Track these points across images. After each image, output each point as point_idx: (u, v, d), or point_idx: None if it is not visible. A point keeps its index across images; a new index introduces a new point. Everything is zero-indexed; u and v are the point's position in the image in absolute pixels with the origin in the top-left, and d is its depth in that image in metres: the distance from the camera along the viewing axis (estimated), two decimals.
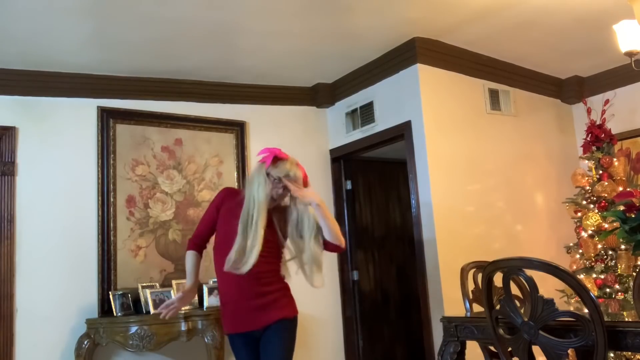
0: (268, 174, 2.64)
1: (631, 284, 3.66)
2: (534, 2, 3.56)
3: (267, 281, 2.64)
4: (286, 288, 2.74)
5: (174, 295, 3.83)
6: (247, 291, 2.60)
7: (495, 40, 4.12)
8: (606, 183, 4.05)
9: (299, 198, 2.64)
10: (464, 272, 3.11)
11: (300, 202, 2.66)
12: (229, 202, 2.73)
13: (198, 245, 2.85)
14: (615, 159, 4.15)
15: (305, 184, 2.71)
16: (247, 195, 2.66)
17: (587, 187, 4.14)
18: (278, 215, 2.73)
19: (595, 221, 3.98)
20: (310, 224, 2.66)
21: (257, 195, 2.60)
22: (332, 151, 4.96)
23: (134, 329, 3.54)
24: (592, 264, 3.98)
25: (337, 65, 4.47)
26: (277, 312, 2.62)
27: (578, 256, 4.08)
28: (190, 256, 2.85)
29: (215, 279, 4.07)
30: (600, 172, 4.13)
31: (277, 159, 2.67)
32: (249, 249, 2.54)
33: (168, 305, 2.74)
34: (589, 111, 4.40)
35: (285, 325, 2.63)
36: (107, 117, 4.12)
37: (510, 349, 2.29)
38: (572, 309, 2.77)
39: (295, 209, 2.70)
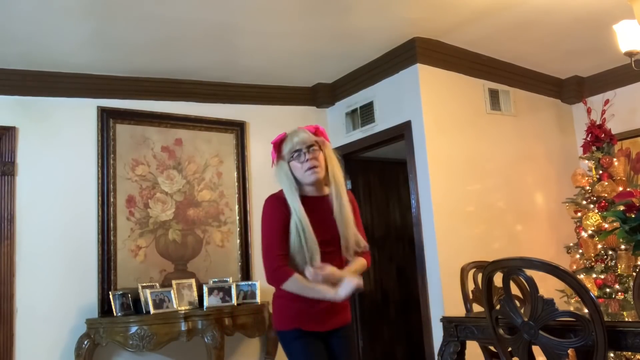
0: (288, 160, 2.32)
1: (631, 284, 3.66)
2: (534, 2, 3.56)
3: None
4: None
5: (174, 295, 3.83)
6: None
7: (495, 40, 4.12)
8: (606, 183, 4.05)
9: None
10: (464, 272, 3.11)
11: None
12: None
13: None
14: (615, 159, 4.15)
15: (324, 135, 2.41)
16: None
17: (587, 187, 4.15)
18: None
19: (595, 221, 3.98)
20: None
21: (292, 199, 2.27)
22: None
23: (134, 329, 3.54)
24: (592, 264, 3.98)
25: (337, 65, 4.47)
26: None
27: (578, 256, 4.08)
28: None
29: (216, 279, 4.10)
30: (600, 172, 4.13)
31: (279, 144, 2.37)
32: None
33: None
34: (589, 111, 4.40)
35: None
36: (107, 117, 4.12)
37: (510, 349, 2.29)
38: (572, 309, 2.77)
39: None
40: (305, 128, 2.38)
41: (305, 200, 2.30)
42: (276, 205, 2.29)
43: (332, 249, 2.29)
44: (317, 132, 2.39)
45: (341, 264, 2.32)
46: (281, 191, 2.33)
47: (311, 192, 2.35)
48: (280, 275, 2.20)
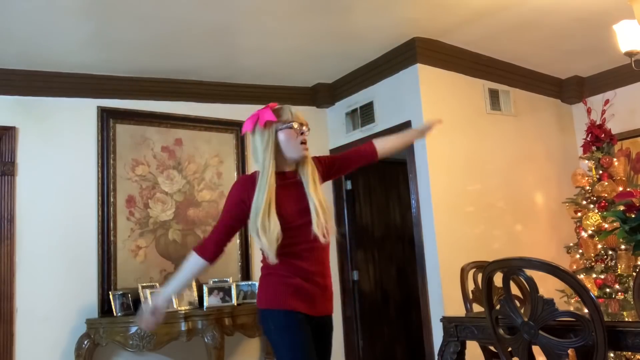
0: (279, 129, 2.23)
1: (631, 284, 3.66)
2: (534, 2, 3.56)
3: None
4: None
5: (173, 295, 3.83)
6: None
7: (495, 40, 4.12)
8: (606, 183, 4.05)
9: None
10: (464, 272, 3.11)
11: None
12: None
13: None
14: (615, 159, 4.15)
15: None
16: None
17: (587, 187, 4.15)
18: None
19: (595, 221, 3.98)
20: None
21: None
22: (332, 151, 4.96)
23: (134, 329, 3.54)
24: (592, 264, 3.98)
25: (337, 65, 4.47)
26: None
27: (578, 256, 4.08)
28: None
29: (216, 279, 4.10)
30: (600, 172, 4.13)
31: (271, 111, 2.26)
32: None
33: None
34: (589, 111, 4.40)
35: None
36: (107, 117, 4.12)
37: (510, 349, 2.29)
38: (572, 309, 2.77)
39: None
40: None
41: (279, 175, 2.22)
42: (242, 189, 2.22)
43: (305, 220, 2.19)
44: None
45: (309, 237, 2.19)
46: (254, 173, 2.23)
47: (287, 168, 2.26)
48: (201, 248, 2.21)
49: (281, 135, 2.23)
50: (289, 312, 2.19)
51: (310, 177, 2.25)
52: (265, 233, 2.11)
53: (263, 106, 2.30)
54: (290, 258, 2.19)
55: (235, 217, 2.23)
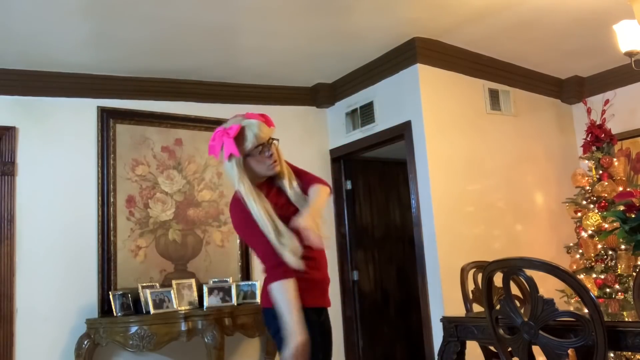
0: (246, 155, 2.18)
1: (631, 284, 3.65)
2: (534, 2, 3.56)
3: None
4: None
5: (174, 295, 3.83)
6: None
7: (495, 40, 4.12)
8: (606, 183, 4.05)
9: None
10: (464, 272, 3.11)
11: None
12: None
13: None
14: (615, 159, 4.15)
15: (270, 123, 2.27)
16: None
17: (587, 187, 4.15)
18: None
19: (595, 221, 3.98)
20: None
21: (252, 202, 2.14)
22: (332, 151, 4.96)
23: (134, 329, 3.54)
24: (592, 264, 3.98)
25: (337, 65, 4.47)
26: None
27: (578, 256, 4.09)
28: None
29: (216, 279, 4.10)
30: (600, 172, 4.14)
31: (237, 134, 2.17)
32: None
33: None
34: (589, 111, 4.40)
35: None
36: (107, 117, 4.12)
37: (510, 349, 2.29)
38: (572, 309, 2.77)
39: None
40: (256, 117, 2.23)
41: (258, 186, 2.21)
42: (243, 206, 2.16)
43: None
44: (267, 121, 2.26)
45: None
46: (236, 192, 2.20)
47: (260, 179, 2.25)
48: (283, 273, 2.08)
49: (250, 162, 2.19)
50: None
51: (287, 184, 2.26)
52: (285, 247, 2.08)
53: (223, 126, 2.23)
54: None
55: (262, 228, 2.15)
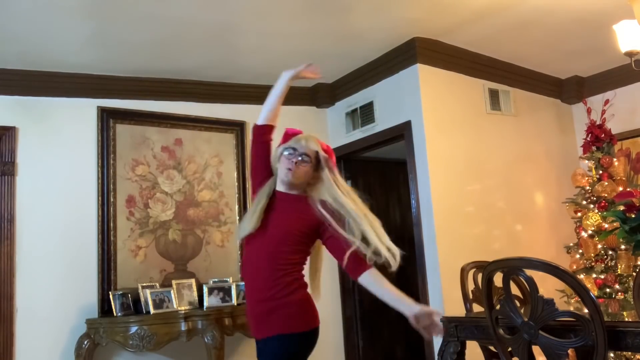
0: (281, 153, 2.34)
1: (631, 284, 3.66)
2: (534, 2, 3.56)
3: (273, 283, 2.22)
4: (298, 287, 2.28)
5: (174, 295, 3.83)
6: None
7: (495, 40, 4.12)
8: (606, 183, 4.05)
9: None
10: (464, 272, 3.11)
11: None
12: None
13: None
14: (615, 159, 4.16)
15: (331, 156, 2.38)
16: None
17: (587, 187, 4.15)
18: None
19: (595, 221, 3.99)
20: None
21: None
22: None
23: (134, 329, 3.54)
24: (592, 264, 3.98)
25: (337, 65, 4.46)
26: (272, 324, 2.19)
27: (578, 256, 4.09)
28: None
29: (216, 279, 4.10)
30: (600, 172, 4.14)
31: (288, 135, 2.40)
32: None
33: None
34: (589, 111, 4.41)
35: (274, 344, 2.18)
36: (107, 117, 4.12)
37: (510, 349, 2.29)
38: (572, 309, 2.77)
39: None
40: (321, 143, 2.38)
41: (273, 192, 2.34)
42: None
43: (259, 242, 2.25)
44: (326, 150, 2.38)
45: (261, 264, 2.22)
46: None
47: (281, 188, 2.35)
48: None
49: (280, 160, 2.34)
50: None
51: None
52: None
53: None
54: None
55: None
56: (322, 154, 2.34)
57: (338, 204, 2.26)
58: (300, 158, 2.28)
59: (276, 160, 2.37)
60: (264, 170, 2.41)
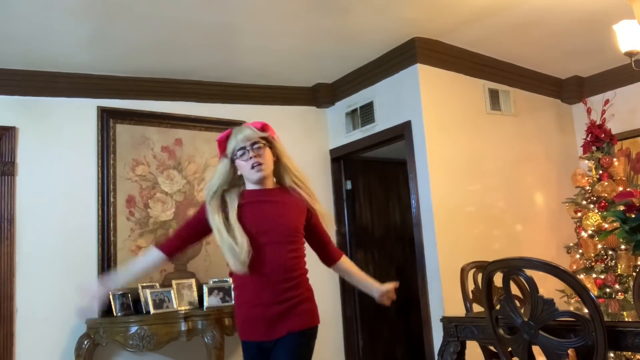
0: (232, 159, 2.29)
1: (631, 284, 3.66)
2: (534, 2, 3.56)
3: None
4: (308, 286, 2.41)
5: (174, 295, 3.83)
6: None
7: (495, 40, 4.12)
8: (606, 183, 4.05)
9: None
10: (464, 272, 3.11)
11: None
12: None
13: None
14: (615, 159, 4.15)
15: (271, 131, 2.35)
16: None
17: (587, 187, 4.15)
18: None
19: (595, 221, 3.98)
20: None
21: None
22: (332, 151, 4.96)
23: (134, 329, 3.54)
24: (592, 264, 3.98)
25: (337, 65, 4.47)
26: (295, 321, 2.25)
27: (578, 256, 4.08)
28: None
29: (216, 279, 4.09)
30: (600, 172, 4.13)
31: (223, 141, 2.33)
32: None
33: None
34: (589, 111, 4.41)
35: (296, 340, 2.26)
36: (107, 117, 4.12)
37: (510, 349, 2.29)
38: (572, 309, 2.77)
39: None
40: (252, 124, 2.33)
41: (245, 193, 2.31)
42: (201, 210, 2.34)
43: (268, 240, 2.23)
44: (264, 128, 2.33)
45: (281, 254, 2.24)
46: None
47: (253, 186, 2.32)
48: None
49: (238, 165, 2.30)
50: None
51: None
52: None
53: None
54: None
55: None
56: (267, 133, 2.32)
57: (306, 187, 2.37)
58: (256, 146, 2.26)
59: (229, 174, 2.30)
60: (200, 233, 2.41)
